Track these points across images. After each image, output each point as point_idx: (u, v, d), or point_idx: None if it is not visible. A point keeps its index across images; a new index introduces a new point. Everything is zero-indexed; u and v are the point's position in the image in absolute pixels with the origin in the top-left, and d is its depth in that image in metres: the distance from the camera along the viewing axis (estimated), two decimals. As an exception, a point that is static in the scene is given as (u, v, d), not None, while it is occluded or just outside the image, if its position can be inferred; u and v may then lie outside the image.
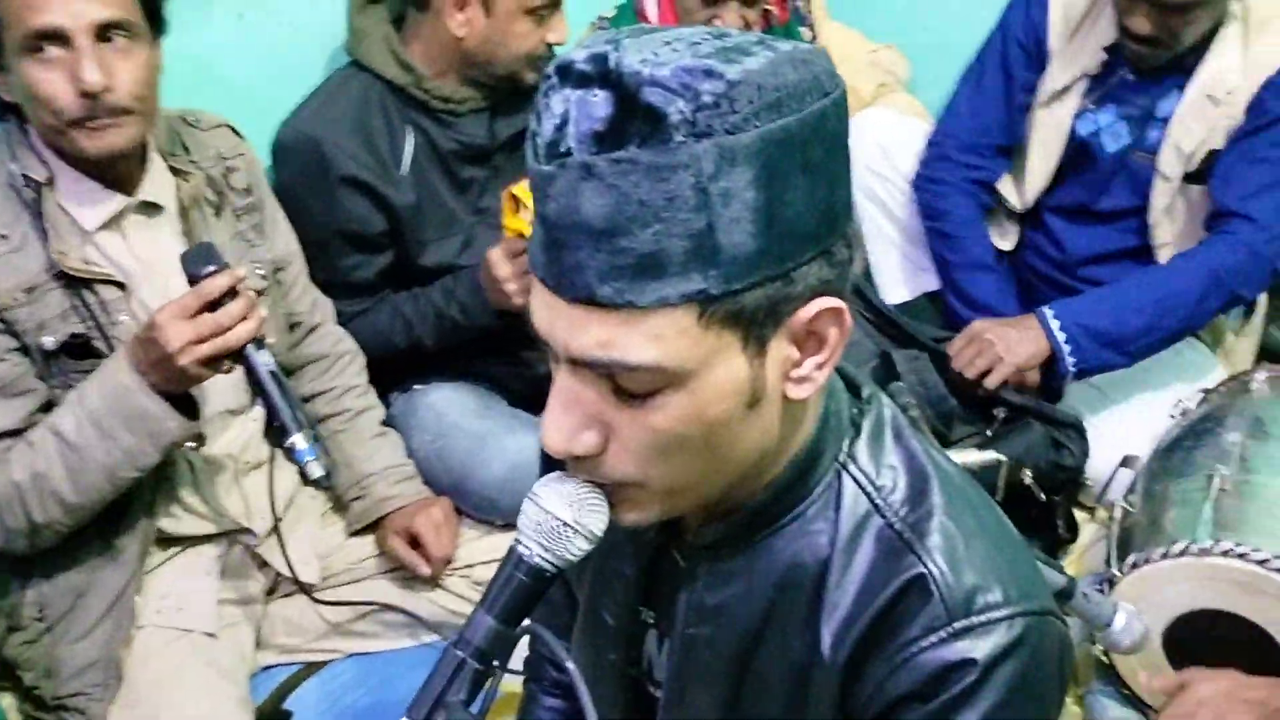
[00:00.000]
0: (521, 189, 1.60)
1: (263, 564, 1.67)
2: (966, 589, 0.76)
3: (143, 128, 1.37)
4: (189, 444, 1.42)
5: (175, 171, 1.48)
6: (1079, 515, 1.81)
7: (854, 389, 0.84)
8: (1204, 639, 1.40)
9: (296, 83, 1.81)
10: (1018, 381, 1.79)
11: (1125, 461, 1.72)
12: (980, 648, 0.75)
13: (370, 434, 1.71)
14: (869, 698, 0.78)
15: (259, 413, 1.61)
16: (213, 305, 1.28)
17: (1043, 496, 1.69)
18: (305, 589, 1.63)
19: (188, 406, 1.36)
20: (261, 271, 1.56)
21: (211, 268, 1.30)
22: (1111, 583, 1.44)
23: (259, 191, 1.59)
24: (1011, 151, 2.02)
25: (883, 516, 0.79)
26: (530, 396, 1.93)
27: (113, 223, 1.41)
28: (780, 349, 0.70)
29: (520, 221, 1.61)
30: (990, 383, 1.77)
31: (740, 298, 0.66)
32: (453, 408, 1.81)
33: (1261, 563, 1.33)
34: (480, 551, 1.73)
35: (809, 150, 0.66)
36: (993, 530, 0.81)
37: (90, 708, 1.44)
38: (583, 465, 0.73)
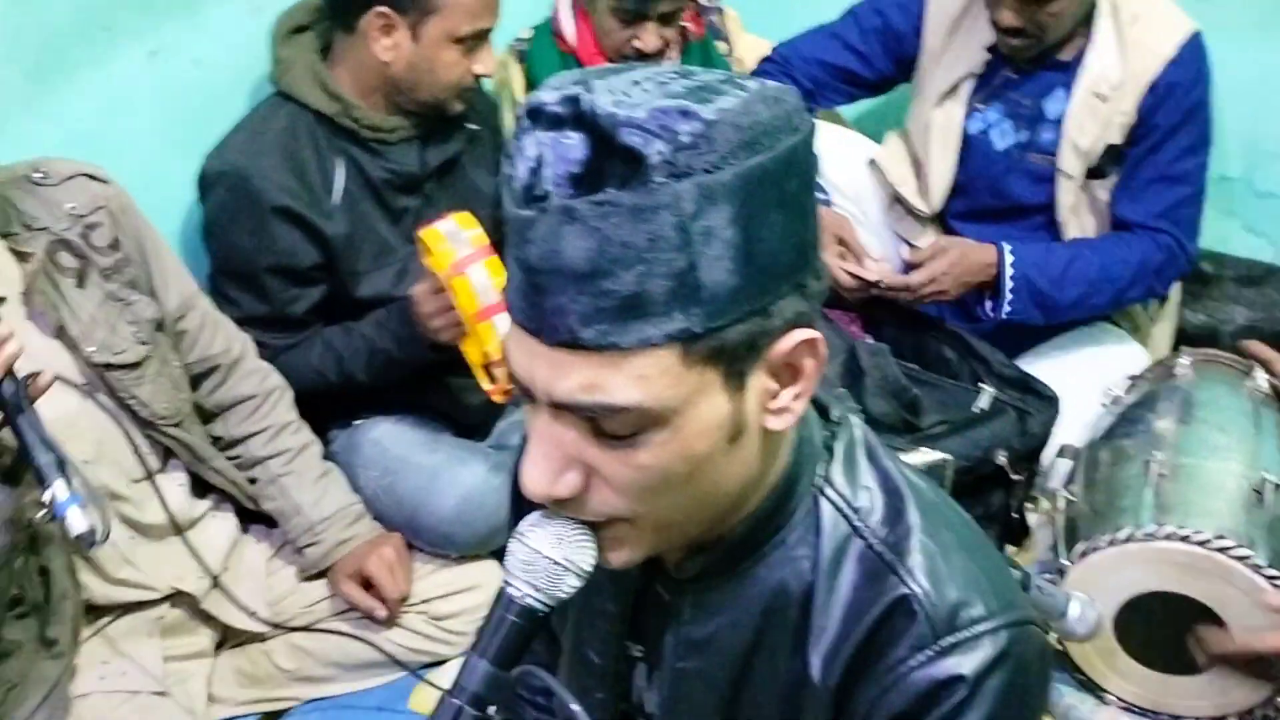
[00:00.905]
0: (428, 232, 1.57)
1: (208, 616, 1.62)
2: (949, 606, 0.77)
3: None
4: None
5: (15, 253, 1.35)
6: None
7: (822, 411, 0.85)
8: (1153, 620, 1.45)
9: (211, 121, 1.76)
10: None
11: (1062, 451, 1.77)
12: (968, 663, 0.76)
13: (314, 475, 1.66)
14: (862, 718, 0.79)
15: (180, 476, 1.56)
16: None
17: (1015, 476, 1.73)
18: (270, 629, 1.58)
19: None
20: (141, 333, 1.44)
21: None
22: (1061, 572, 1.48)
23: (130, 244, 1.46)
24: (845, 94, 2.11)
25: (863, 538, 0.80)
26: (473, 425, 1.91)
27: None
28: (759, 382, 0.71)
29: (433, 261, 1.58)
30: (924, 294, 1.89)
31: (722, 334, 0.67)
32: (398, 442, 1.78)
33: (1203, 544, 1.38)
34: (436, 586, 1.71)
35: (784, 186, 0.67)
36: (969, 543, 0.82)
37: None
38: (566, 506, 0.73)
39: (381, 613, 1.64)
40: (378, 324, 1.71)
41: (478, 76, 1.71)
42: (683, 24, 2.08)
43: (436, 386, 1.82)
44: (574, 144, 0.64)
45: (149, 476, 1.49)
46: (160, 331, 1.49)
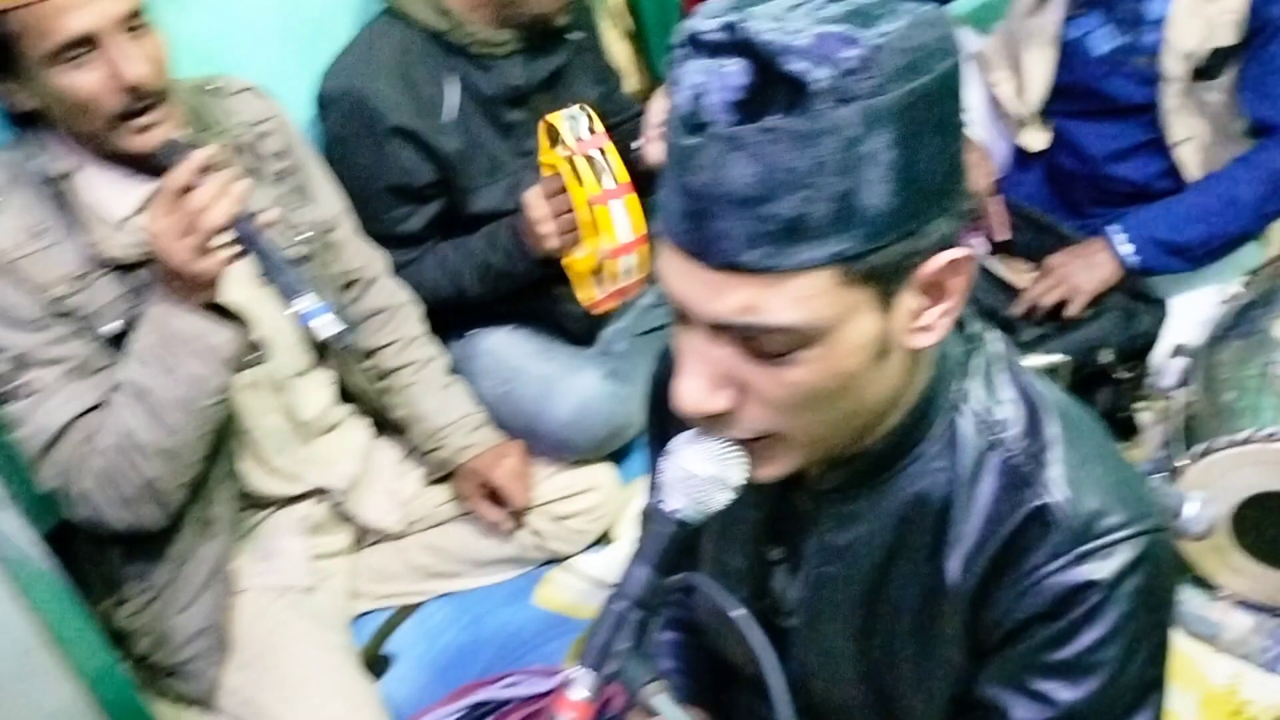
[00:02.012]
0: (556, 117, 1.57)
1: (345, 517, 1.73)
2: (1087, 515, 0.79)
3: (172, 108, 1.35)
4: (251, 357, 1.39)
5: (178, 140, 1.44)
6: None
7: (960, 328, 0.87)
8: (1267, 518, 1.46)
9: (326, 39, 1.79)
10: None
11: (1178, 351, 1.76)
12: (1104, 569, 0.78)
13: (439, 384, 1.74)
14: (996, 621, 0.83)
15: (329, 375, 1.65)
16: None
17: (1123, 375, 1.72)
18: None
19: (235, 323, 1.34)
20: (307, 234, 1.55)
21: (179, 156, 1.26)
22: (1174, 472, 1.49)
23: (296, 153, 1.57)
24: None
25: (1001, 450, 0.82)
26: (579, 334, 1.96)
27: (144, 207, 1.38)
28: (907, 301, 0.73)
29: (555, 155, 1.59)
30: (1069, 313, 1.81)
31: (877, 256, 0.69)
32: (513, 352, 1.84)
33: (1324, 444, 1.37)
34: (554, 488, 1.79)
35: (941, 108, 0.68)
36: (1106, 453, 0.84)
37: (204, 671, 1.50)
38: (717, 423, 0.76)
39: (508, 526, 1.72)
40: (488, 238, 1.75)
41: None
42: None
43: (545, 297, 1.87)
44: (734, 71, 0.65)
45: (306, 371, 1.58)
46: (316, 239, 1.57)
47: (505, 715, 1.50)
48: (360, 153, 1.69)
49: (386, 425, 1.76)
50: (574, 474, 1.81)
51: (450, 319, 1.86)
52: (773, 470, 0.80)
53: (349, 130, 1.69)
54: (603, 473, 1.83)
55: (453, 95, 1.72)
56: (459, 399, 1.75)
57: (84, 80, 1.26)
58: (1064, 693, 0.81)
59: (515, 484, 1.70)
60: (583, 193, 1.55)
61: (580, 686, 0.77)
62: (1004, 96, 2.02)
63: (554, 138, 1.60)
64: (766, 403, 0.74)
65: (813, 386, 0.73)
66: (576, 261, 1.66)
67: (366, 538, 1.77)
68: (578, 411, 1.77)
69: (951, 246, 0.72)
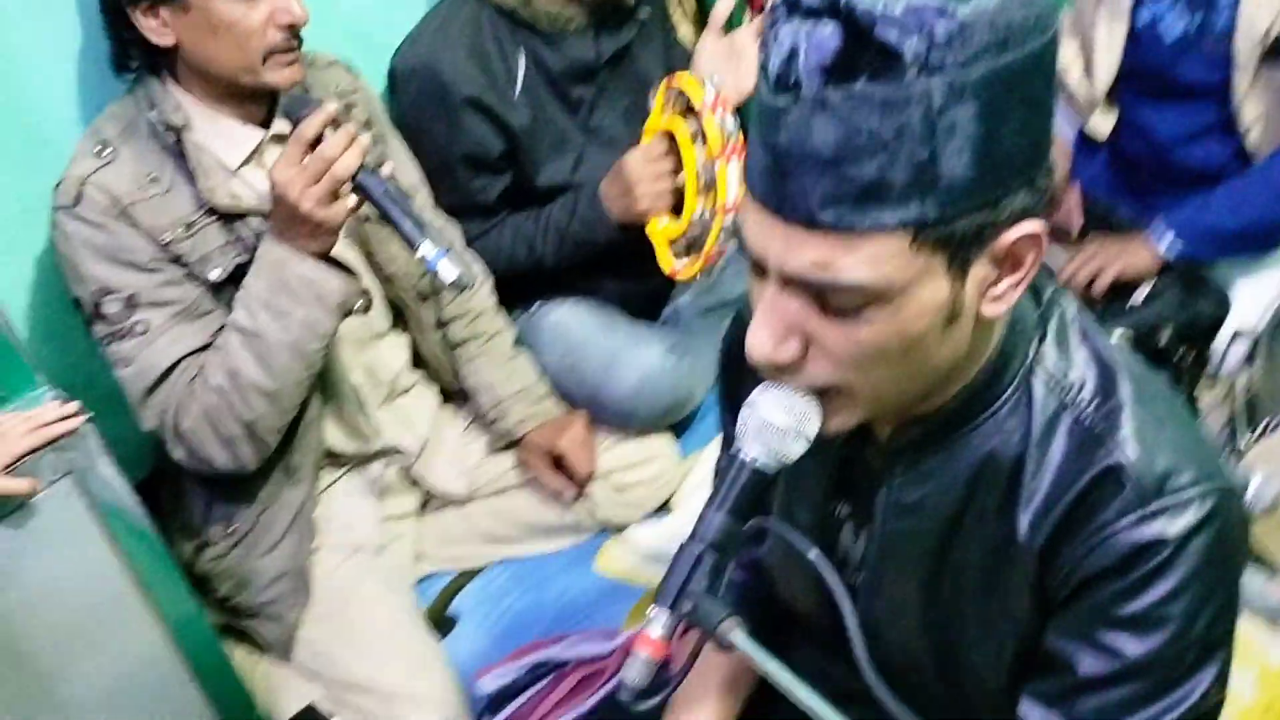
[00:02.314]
0: (686, 81, 1.62)
1: (414, 481, 1.78)
2: (1158, 474, 0.81)
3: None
4: (360, 305, 1.46)
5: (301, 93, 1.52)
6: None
7: (1035, 292, 0.89)
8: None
9: (398, 13, 1.83)
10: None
11: (1237, 334, 1.76)
12: (1173, 526, 0.80)
13: (506, 356, 1.78)
14: (1065, 576, 0.85)
15: (404, 339, 1.70)
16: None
17: (1184, 356, 1.73)
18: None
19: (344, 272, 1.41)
20: None
21: (307, 110, 1.33)
22: (1237, 452, 1.50)
23: (379, 125, 1.63)
24: None
25: (1074, 411, 0.84)
26: (645, 310, 2.00)
27: (253, 157, 1.46)
28: (981, 270, 0.75)
29: (675, 119, 1.63)
30: (1095, 291, 1.81)
31: (952, 223, 0.70)
32: (578, 324, 1.88)
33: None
34: (617, 458, 1.82)
35: (1029, 85, 0.69)
36: (1177, 415, 0.86)
37: (285, 614, 1.56)
38: (784, 372, 0.79)
39: (570, 493, 1.76)
40: (566, 207, 1.79)
41: None
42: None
43: (611, 271, 1.91)
44: (829, 35, 0.67)
45: (385, 333, 1.64)
46: None
47: (565, 675, 1.54)
48: (435, 124, 1.74)
49: (453, 393, 1.81)
50: (636, 444, 1.85)
51: (517, 293, 1.90)
52: (838, 422, 0.82)
53: (424, 103, 1.73)
54: (664, 444, 1.87)
55: (521, 70, 1.76)
56: (524, 371, 1.80)
57: (252, 15, 1.33)
58: (1131, 645, 0.82)
59: (579, 453, 1.74)
60: (699, 155, 1.60)
61: (656, 625, 0.79)
62: (1072, 80, 2.02)
63: (677, 102, 1.64)
64: (833, 357, 0.77)
65: (878, 344, 0.75)
66: (664, 229, 1.69)
67: (432, 502, 1.82)
68: (641, 383, 1.81)
69: (1028, 219, 0.74)
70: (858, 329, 0.74)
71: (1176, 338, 1.74)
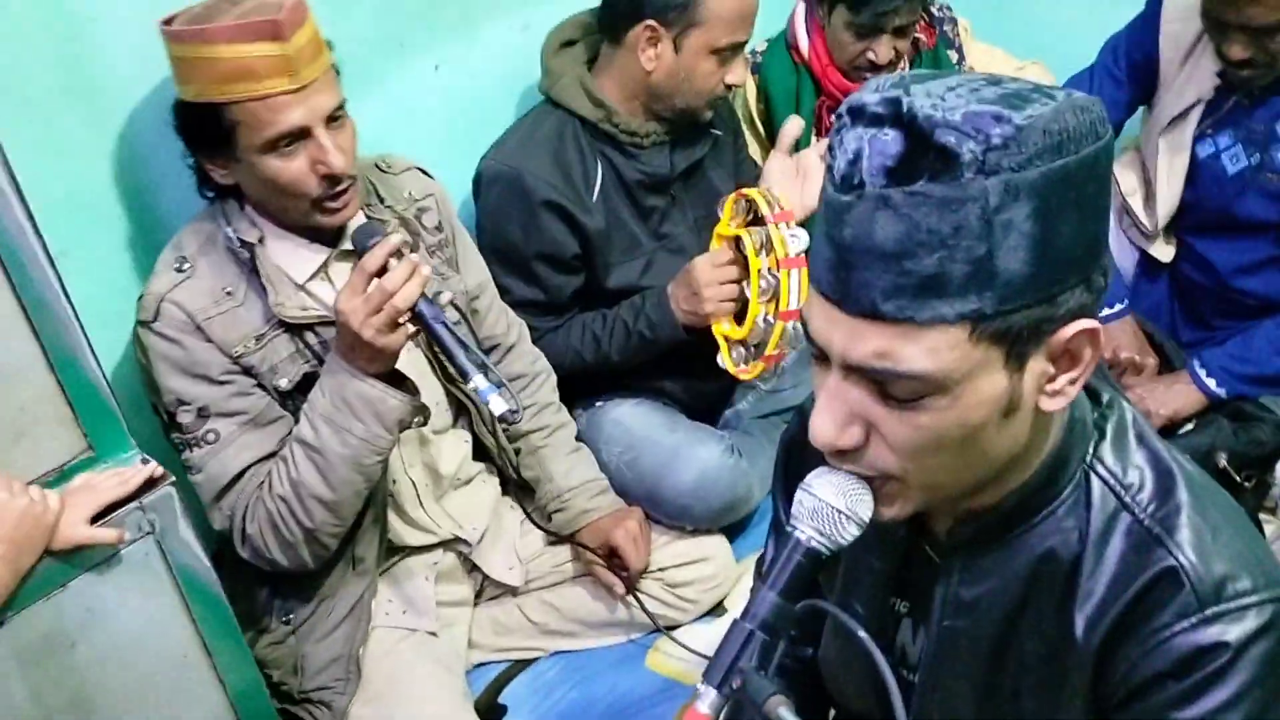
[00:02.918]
0: (755, 192, 1.70)
1: (470, 569, 1.81)
2: (1216, 578, 0.81)
3: (355, 188, 1.49)
4: (417, 420, 1.50)
5: (370, 220, 1.59)
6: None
7: (1093, 395, 0.91)
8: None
9: (484, 125, 1.95)
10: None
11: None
12: (1232, 632, 0.80)
13: (567, 449, 1.83)
14: (1121, 679, 0.85)
15: (465, 434, 1.75)
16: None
17: (1240, 480, 1.72)
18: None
19: (405, 387, 1.46)
20: (458, 302, 1.67)
21: (373, 241, 1.40)
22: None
23: (449, 227, 1.71)
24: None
25: (1132, 513, 0.85)
26: (704, 413, 2.05)
27: (320, 271, 1.53)
28: (1038, 365, 0.78)
29: (743, 228, 1.71)
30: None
31: (1009, 318, 0.74)
32: (639, 422, 1.93)
33: None
34: (672, 555, 1.84)
35: (1083, 188, 0.74)
36: (1236, 521, 0.87)
37: (334, 700, 1.58)
38: (846, 458, 0.82)
39: (621, 590, 1.78)
40: (633, 308, 1.86)
41: (729, 86, 1.84)
42: (916, 36, 2.15)
43: (673, 373, 1.97)
44: (891, 140, 0.72)
45: (445, 430, 1.69)
46: (464, 305, 1.69)
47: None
48: (513, 225, 1.83)
49: (510, 485, 1.85)
50: (690, 542, 1.87)
51: (579, 390, 1.96)
52: (893, 510, 0.84)
53: (506, 204, 1.83)
54: (718, 544, 1.88)
55: (599, 178, 1.85)
56: (585, 464, 1.84)
57: (291, 168, 1.40)
58: None
59: (633, 547, 1.76)
60: (764, 262, 1.68)
61: (704, 701, 0.81)
62: (1135, 208, 2.07)
63: (746, 211, 1.73)
64: (892, 444, 0.79)
65: (937, 433, 0.78)
66: (728, 331, 1.75)
67: (486, 591, 1.85)
68: (700, 479, 1.84)
69: (1084, 317, 0.77)
70: (917, 417, 0.77)
71: (1235, 464, 1.74)
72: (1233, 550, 0.83)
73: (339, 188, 1.44)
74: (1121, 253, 2.12)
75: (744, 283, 1.76)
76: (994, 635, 0.91)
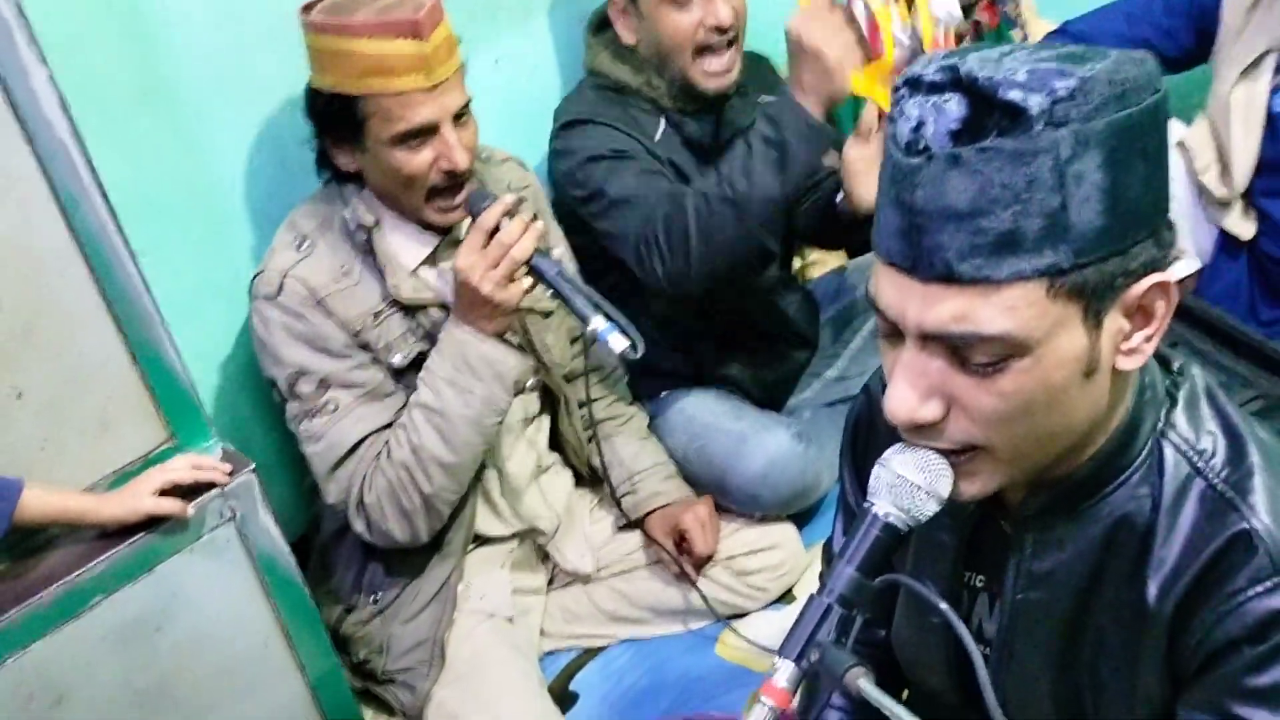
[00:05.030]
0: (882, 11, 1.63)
1: (543, 558, 1.83)
2: None
3: (473, 185, 1.53)
4: (529, 383, 1.55)
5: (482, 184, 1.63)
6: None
7: (1163, 362, 0.90)
8: None
9: (543, 120, 1.96)
10: None
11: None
12: None
13: (640, 435, 1.85)
14: (1195, 645, 0.83)
15: (545, 421, 1.78)
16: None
17: None
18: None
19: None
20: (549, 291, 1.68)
21: (486, 202, 1.45)
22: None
23: (544, 219, 1.72)
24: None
25: (1205, 478, 0.84)
26: (770, 401, 2.03)
27: (429, 258, 1.57)
28: (1114, 322, 0.77)
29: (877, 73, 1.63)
30: None
31: (1085, 272, 0.73)
32: (705, 411, 1.93)
33: None
34: (740, 543, 1.84)
35: (1147, 139, 0.73)
36: None
37: (417, 683, 1.61)
38: (924, 433, 0.81)
39: (692, 574, 1.78)
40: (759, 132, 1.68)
41: (712, 28, 1.75)
42: (977, 18, 2.11)
43: (739, 361, 1.96)
44: (953, 105, 0.72)
45: (533, 418, 1.73)
46: None
47: (685, 756, 1.54)
48: (605, 143, 1.78)
49: (582, 476, 1.87)
50: (759, 530, 1.86)
51: (646, 384, 1.96)
52: (975, 487, 0.83)
53: (588, 137, 1.80)
54: (787, 532, 1.88)
55: (661, 127, 1.84)
56: (655, 450, 1.86)
57: (416, 161, 1.46)
58: (1264, 719, 0.80)
59: (703, 532, 1.77)
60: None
61: (782, 674, 0.81)
62: (1210, 181, 2.02)
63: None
64: (974, 414, 0.78)
65: (1020, 398, 0.77)
66: (869, 72, 1.65)
67: (557, 579, 1.87)
68: (769, 466, 1.83)
69: (1156, 271, 0.76)
70: (998, 382, 0.76)
71: None
72: None
73: (456, 183, 1.49)
74: (1199, 231, 2.07)
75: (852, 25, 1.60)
76: (1068, 606, 0.90)
